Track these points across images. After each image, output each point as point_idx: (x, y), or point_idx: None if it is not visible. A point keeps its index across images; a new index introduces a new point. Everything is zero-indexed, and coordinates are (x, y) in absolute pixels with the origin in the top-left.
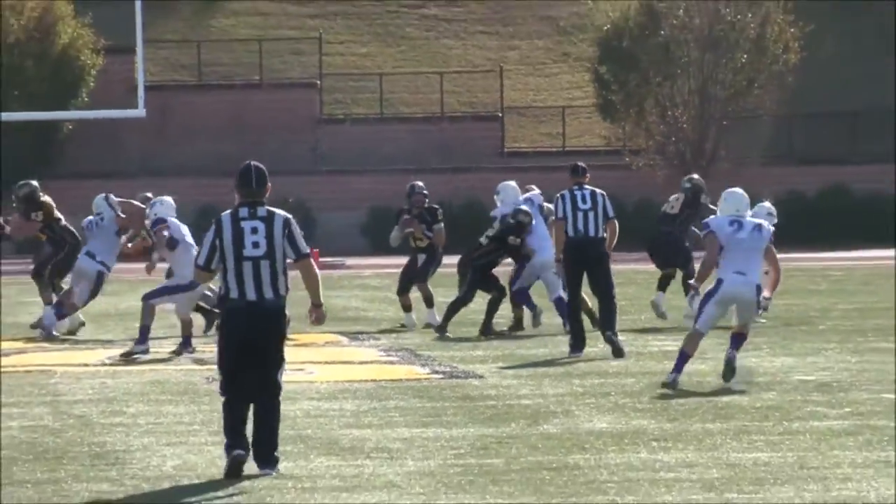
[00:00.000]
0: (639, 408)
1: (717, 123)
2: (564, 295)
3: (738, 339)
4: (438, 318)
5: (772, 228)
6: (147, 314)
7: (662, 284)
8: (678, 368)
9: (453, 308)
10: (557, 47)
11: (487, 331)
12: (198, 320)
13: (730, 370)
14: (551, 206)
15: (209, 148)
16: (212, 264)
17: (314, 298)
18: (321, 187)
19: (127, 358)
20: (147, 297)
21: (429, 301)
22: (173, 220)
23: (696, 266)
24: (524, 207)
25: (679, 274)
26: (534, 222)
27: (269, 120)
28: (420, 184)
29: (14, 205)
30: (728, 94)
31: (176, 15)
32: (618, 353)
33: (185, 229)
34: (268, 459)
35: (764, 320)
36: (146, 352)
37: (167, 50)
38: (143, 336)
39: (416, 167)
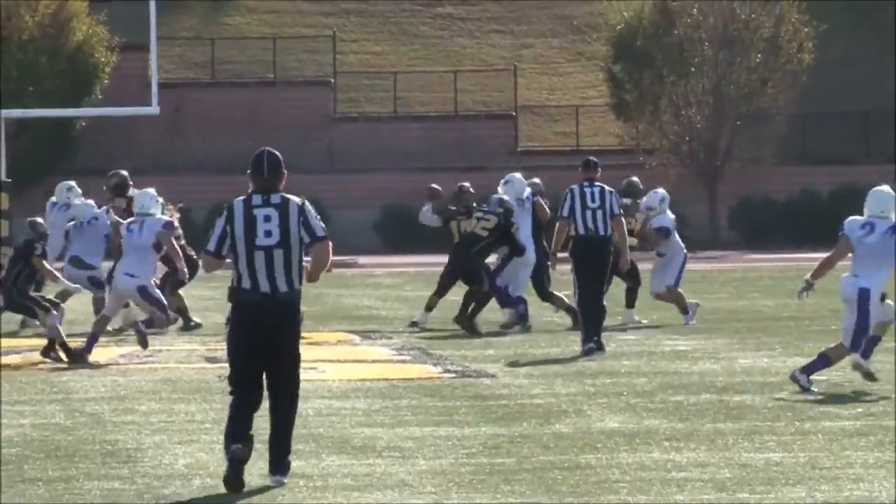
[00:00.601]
0: (651, 408)
1: (731, 123)
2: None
3: (867, 343)
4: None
5: None
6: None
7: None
8: (811, 370)
9: (483, 302)
10: (572, 46)
11: (471, 322)
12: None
13: (863, 373)
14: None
15: (223, 145)
16: (222, 250)
17: (310, 277)
18: (334, 185)
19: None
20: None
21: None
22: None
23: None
24: (504, 197)
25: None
26: (515, 221)
27: (283, 118)
28: (467, 184)
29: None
30: (742, 93)
31: (190, 12)
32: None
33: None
34: (279, 464)
35: (693, 321)
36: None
37: (181, 47)
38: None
39: (430, 166)
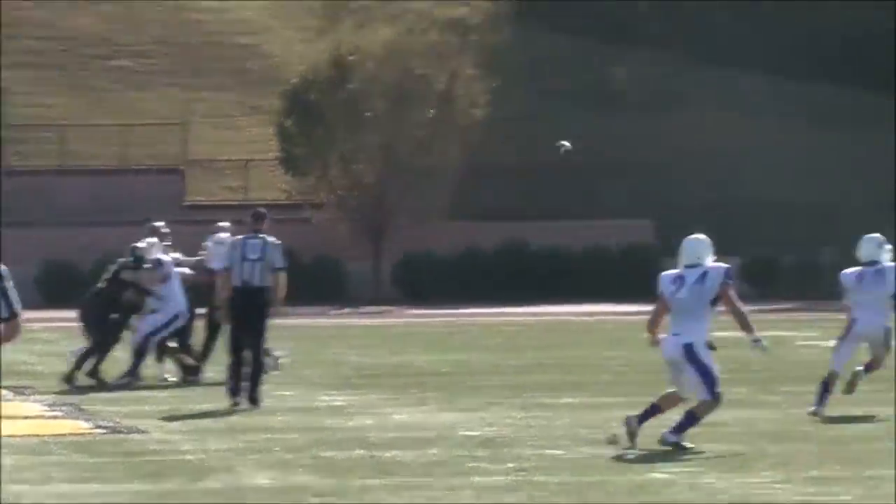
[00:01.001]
0: (302, 463)
1: (401, 177)
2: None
3: (688, 415)
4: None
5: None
6: None
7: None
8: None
9: (84, 357)
10: (246, 100)
11: (72, 379)
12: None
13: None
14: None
15: None
16: None
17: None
18: (3, 240)
19: None
20: None
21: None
22: None
23: None
24: (139, 244)
25: None
26: (164, 273)
27: None
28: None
29: None
30: (412, 148)
31: None
32: (254, 402)
33: None
34: None
35: (276, 371)
36: None
37: None
38: None
39: (96, 220)
